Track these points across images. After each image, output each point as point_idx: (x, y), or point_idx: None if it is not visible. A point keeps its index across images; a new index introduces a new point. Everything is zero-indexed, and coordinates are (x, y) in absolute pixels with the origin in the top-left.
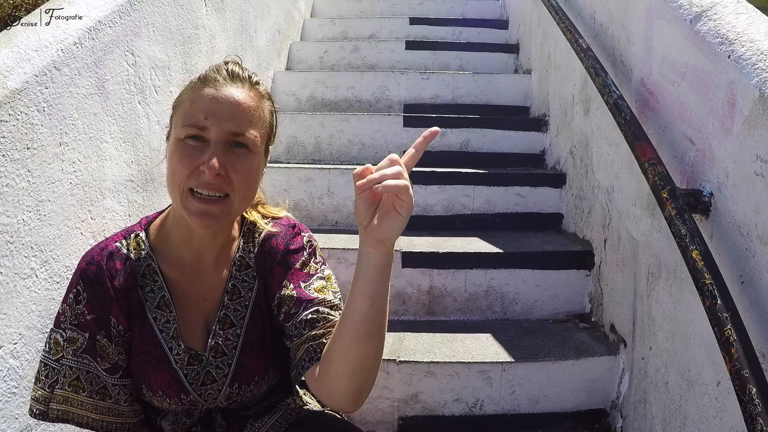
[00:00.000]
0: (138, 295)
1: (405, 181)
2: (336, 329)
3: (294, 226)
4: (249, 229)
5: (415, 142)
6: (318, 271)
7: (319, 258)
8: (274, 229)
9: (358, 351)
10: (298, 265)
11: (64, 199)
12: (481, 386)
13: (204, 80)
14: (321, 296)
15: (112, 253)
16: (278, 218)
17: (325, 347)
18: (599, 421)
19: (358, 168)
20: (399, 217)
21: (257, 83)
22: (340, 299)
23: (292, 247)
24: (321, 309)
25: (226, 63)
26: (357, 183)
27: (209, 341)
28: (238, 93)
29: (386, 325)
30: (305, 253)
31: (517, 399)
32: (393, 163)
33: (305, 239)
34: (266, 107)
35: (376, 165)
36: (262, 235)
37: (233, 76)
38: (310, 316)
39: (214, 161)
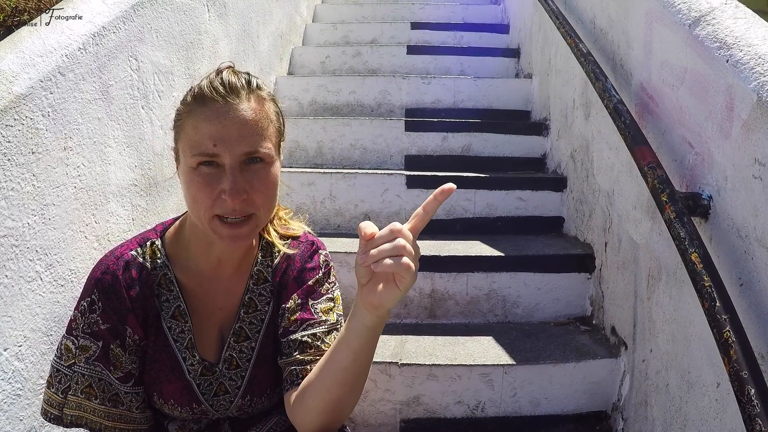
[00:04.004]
0: (154, 304)
1: (405, 260)
2: (316, 368)
3: (312, 244)
4: (268, 242)
5: (425, 201)
6: (329, 291)
7: (332, 278)
8: (291, 251)
9: (332, 396)
10: (311, 282)
11: (68, 203)
12: (483, 389)
13: (201, 100)
14: (324, 317)
15: (128, 262)
16: (296, 237)
17: (304, 380)
18: (600, 423)
19: (365, 225)
20: (397, 290)
21: (258, 87)
22: (339, 321)
23: (309, 265)
24: (318, 333)
25: (219, 72)
26: (358, 258)
27: (223, 353)
28: (241, 110)
29: (367, 375)
30: (320, 272)
31: (518, 401)
32: (393, 234)
33: (322, 258)
34: (271, 110)
35: (377, 166)
36: (281, 253)
37: (231, 89)
38: (305, 338)
39: (236, 190)
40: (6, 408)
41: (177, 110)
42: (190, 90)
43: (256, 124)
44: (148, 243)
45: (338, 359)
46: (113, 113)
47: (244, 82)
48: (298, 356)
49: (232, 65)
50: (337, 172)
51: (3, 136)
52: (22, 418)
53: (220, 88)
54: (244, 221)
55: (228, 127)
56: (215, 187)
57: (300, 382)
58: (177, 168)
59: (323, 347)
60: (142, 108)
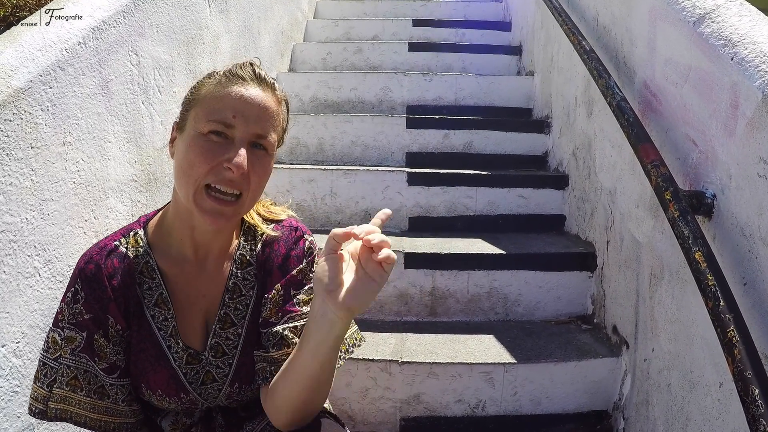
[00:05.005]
0: (136, 293)
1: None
2: (283, 370)
3: (296, 229)
4: (250, 227)
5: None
6: (310, 280)
7: (315, 267)
8: (274, 233)
9: (301, 397)
10: (295, 272)
11: (67, 199)
12: (484, 387)
13: (231, 77)
14: (304, 309)
15: (111, 251)
16: (280, 221)
17: (272, 382)
18: (601, 422)
19: (339, 230)
20: (374, 283)
21: (277, 89)
22: None
23: (294, 252)
24: (298, 327)
25: (251, 64)
26: (338, 233)
27: (209, 340)
28: (265, 96)
29: (333, 375)
30: (305, 261)
31: (519, 400)
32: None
33: (307, 244)
34: (282, 113)
35: (378, 163)
36: (264, 236)
37: (260, 79)
38: (286, 332)
39: (243, 160)
40: (3, 405)
41: (198, 82)
42: (217, 70)
43: (272, 114)
44: (131, 233)
45: (304, 368)
46: (113, 108)
47: (270, 80)
48: (273, 354)
49: (258, 62)
50: (338, 169)
51: (1, 131)
52: (19, 415)
53: (252, 74)
54: (231, 201)
55: (251, 105)
56: (218, 156)
57: (271, 379)
58: (173, 140)
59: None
60: (142, 103)
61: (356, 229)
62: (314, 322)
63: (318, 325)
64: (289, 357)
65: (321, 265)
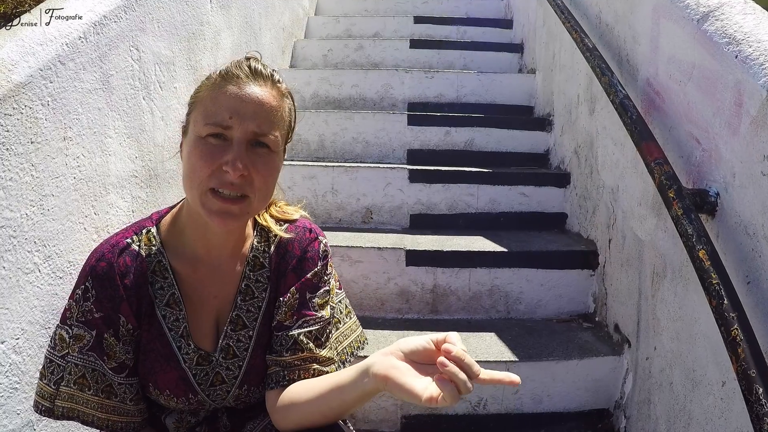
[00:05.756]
0: (148, 292)
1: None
2: (304, 393)
3: (310, 230)
4: (263, 228)
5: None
6: (326, 283)
7: (329, 269)
8: (287, 235)
9: (314, 420)
10: (309, 275)
11: (67, 194)
12: (485, 385)
13: (226, 76)
14: (320, 313)
15: (123, 249)
16: (293, 221)
17: (289, 396)
18: (602, 421)
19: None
20: (419, 401)
21: (279, 81)
22: (332, 314)
23: (309, 254)
24: (312, 331)
25: (248, 59)
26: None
27: (220, 342)
28: (261, 92)
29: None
30: (319, 264)
31: (520, 398)
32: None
33: (321, 247)
34: (287, 106)
35: (379, 160)
36: (277, 238)
37: (256, 74)
38: (301, 336)
39: (239, 162)
40: (3, 402)
41: (198, 86)
42: (215, 71)
43: (272, 110)
44: (144, 231)
45: (328, 401)
46: (114, 103)
47: (269, 72)
48: (287, 358)
49: (258, 56)
50: (339, 166)
51: (2, 126)
52: (19, 412)
53: (247, 70)
54: (237, 199)
55: (246, 104)
56: (217, 159)
57: (284, 384)
58: (181, 144)
59: (315, 351)
60: (143, 99)
61: (467, 360)
62: (360, 367)
63: (358, 371)
64: (314, 392)
65: (417, 345)
